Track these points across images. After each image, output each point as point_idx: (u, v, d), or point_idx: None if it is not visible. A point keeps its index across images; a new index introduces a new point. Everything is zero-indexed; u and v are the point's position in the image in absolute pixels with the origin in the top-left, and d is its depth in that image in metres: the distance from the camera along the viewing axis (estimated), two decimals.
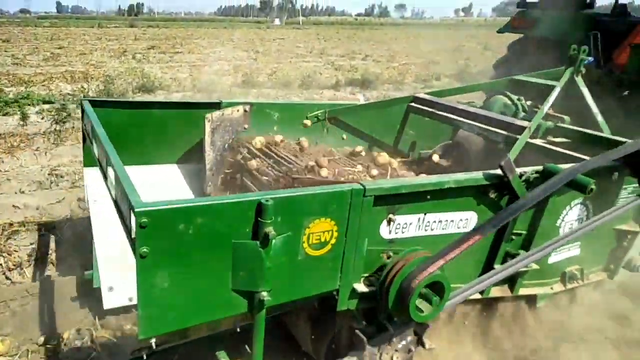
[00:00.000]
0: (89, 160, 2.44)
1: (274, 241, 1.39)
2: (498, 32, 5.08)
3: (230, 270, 1.41)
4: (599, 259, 2.49)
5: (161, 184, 2.64)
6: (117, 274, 2.01)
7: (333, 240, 1.54)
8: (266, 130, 2.84)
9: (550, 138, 2.54)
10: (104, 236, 2.21)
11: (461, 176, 1.75)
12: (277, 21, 69.51)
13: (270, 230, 1.37)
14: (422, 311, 1.62)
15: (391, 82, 11.93)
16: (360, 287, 1.66)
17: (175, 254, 1.30)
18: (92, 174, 2.45)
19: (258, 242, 1.39)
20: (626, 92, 3.56)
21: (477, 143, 3.11)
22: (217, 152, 2.72)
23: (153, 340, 1.66)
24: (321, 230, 1.51)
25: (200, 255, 1.34)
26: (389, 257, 1.71)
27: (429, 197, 1.69)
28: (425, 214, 1.73)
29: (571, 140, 2.54)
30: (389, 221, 1.66)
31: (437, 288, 1.63)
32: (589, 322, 2.55)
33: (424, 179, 1.78)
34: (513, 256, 1.95)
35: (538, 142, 2.50)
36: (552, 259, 2.16)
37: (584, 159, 2.11)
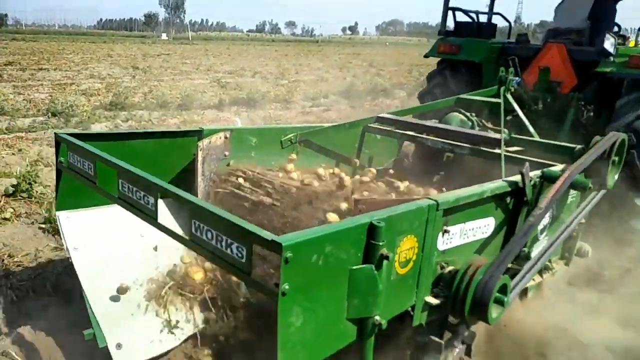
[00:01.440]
0: (68, 201, 2.32)
1: (384, 262, 1.42)
2: (425, 56, 5.32)
3: (345, 299, 1.39)
4: (557, 250, 2.78)
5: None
6: (122, 329, 2.02)
7: (414, 257, 1.59)
8: (244, 157, 2.84)
9: (505, 148, 2.77)
10: (95, 288, 2.15)
11: (492, 185, 1.94)
12: (164, 36, 66.66)
13: (384, 251, 1.40)
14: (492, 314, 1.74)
15: (279, 100, 11.55)
16: (431, 300, 1.73)
17: (307, 288, 1.27)
18: (70, 217, 2.32)
19: (373, 266, 1.40)
20: (539, 107, 4.12)
21: (420, 156, 3.48)
22: (207, 183, 2.66)
23: None
24: (408, 248, 1.55)
25: (325, 286, 1.33)
26: (442, 268, 1.79)
27: (467, 207, 1.80)
28: (464, 223, 1.84)
29: (524, 148, 2.87)
30: (444, 232, 1.74)
31: (502, 290, 1.77)
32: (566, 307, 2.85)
33: (471, 190, 1.85)
34: (525, 256, 2.13)
35: (498, 151, 2.77)
36: (532, 253, 2.28)
37: (549, 164, 2.44)
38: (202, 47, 40.00)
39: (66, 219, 2.33)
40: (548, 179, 2.18)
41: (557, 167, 2.34)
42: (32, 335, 2.63)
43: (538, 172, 2.22)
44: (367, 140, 3.46)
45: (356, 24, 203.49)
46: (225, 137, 2.77)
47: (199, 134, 2.68)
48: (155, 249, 2.49)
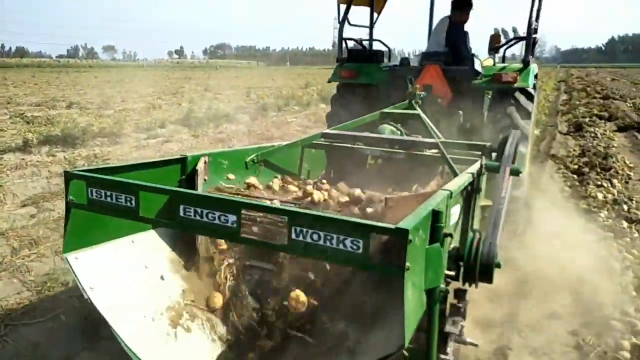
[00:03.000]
0: (75, 241, 2.38)
1: (447, 240, 1.90)
2: (328, 81, 5.90)
3: (424, 273, 1.73)
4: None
5: (151, 251, 2.71)
6: (163, 356, 2.34)
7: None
8: (219, 179, 3.05)
9: (433, 150, 3.39)
10: (121, 322, 2.30)
11: (465, 177, 2.52)
12: None
13: (447, 231, 1.86)
14: None
15: (105, 134, 9.81)
16: (447, 272, 2.01)
17: (414, 266, 1.60)
18: (79, 258, 2.40)
19: (439, 244, 1.78)
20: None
21: (344, 166, 3.92)
22: None
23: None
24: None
25: (419, 263, 1.67)
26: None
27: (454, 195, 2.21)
28: (453, 207, 2.27)
29: (447, 148, 3.30)
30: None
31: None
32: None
33: (460, 181, 2.44)
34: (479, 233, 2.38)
35: (429, 153, 3.46)
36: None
37: (468, 160, 3.18)
38: None
39: (75, 259, 2.38)
40: (490, 169, 2.90)
41: (477, 162, 2.90)
42: None
43: (477, 166, 2.81)
44: (306, 155, 3.97)
45: (182, 47, 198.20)
46: (205, 162, 2.96)
47: (183, 162, 2.85)
48: (162, 277, 2.68)
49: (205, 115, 12.63)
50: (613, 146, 9.61)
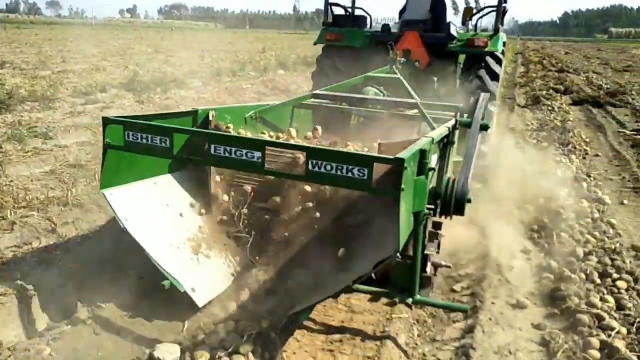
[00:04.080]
0: (110, 179, 2.80)
1: (430, 173, 2.46)
2: (314, 44, 6.36)
3: (412, 198, 2.23)
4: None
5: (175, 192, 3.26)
6: (188, 277, 2.81)
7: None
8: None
9: (412, 110, 4.03)
10: (157, 247, 2.79)
11: (444, 129, 3.02)
12: None
13: (430, 166, 2.39)
14: None
15: (36, 98, 8.87)
16: (427, 206, 2.52)
17: (407, 190, 2.11)
18: (114, 193, 2.80)
19: (424, 176, 2.28)
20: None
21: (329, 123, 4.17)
22: None
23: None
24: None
25: (409, 189, 2.17)
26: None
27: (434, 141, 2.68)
28: (433, 154, 2.66)
29: (425, 108, 3.87)
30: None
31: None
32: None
33: (439, 131, 2.97)
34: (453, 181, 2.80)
35: (410, 112, 4.07)
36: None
37: (443, 118, 3.73)
38: None
39: (110, 195, 2.78)
40: (463, 125, 3.29)
41: (452, 119, 3.32)
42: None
43: (452, 121, 3.23)
44: (296, 115, 4.28)
45: (135, 6, 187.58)
46: (212, 116, 3.32)
47: (195, 114, 3.24)
48: (181, 215, 3.17)
49: (152, 79, 11.73)
50: (569, 120, 9.61)
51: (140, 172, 3.02)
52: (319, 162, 2.19)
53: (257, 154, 2.33)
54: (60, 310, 3.15)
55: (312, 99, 4.29)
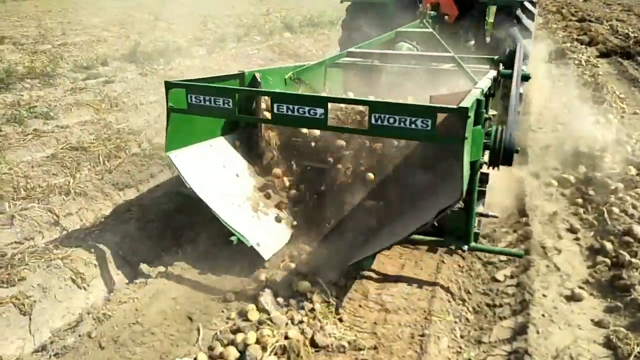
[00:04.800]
0: (174, 142, 2.96)
1: (487, 123, 2.70)
2: (341, 1, 6.05)
3: (470, 147, 2.32)
4: None
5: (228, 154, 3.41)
6: (253, 232, 3.00)
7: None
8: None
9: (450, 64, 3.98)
10: (222, 206, 2.96)
11: (488, 81, 3.07)
12: None
13: (486, 116, 2.60)
14: None
15: (35, 75, 8.47)
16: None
17: (468, 138, 2.25)
18: (178, 156, 2.98)
19: (480, 126, 2.47)
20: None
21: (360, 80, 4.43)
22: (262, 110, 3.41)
23: None
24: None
25: (469, 138, 2.28)
26: None
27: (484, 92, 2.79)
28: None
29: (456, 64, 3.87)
30: None
31: None
32: None
33: (485, 82, 3.00)
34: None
35: (446, 67, 4.00)
36: None
37: (481, 70, 3.77)
38: None
39: (175, 157, 2.96)
40: (504, 76, 3.46)
41: (493, 71, 3.43)
42: None
43: (494, 73, 3.37)
44: (328, 74, 4.31)
45: None
46: (260, 77, 3.43)
47: (242, 76, 3.34)
48: (237, 175, 3.35)
49: (155, 49, 11.19)
50: (599, 74, 8.97)
51: (197, 135, 3.17)
52: (382, 116, 2.31)
53: (320, 110, 2.45)
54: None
55: (346, 58, 4.27)
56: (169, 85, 2.81)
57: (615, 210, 3.73)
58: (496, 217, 3.32)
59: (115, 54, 10.92)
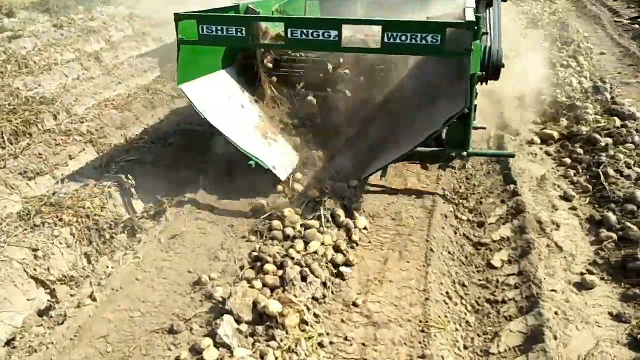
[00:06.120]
0: (185, 75, 3.14)
1: (484, 37, 3.03)
2: None
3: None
4: None
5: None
6: (267, 156, 3.22)
7: None
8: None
9: None
10: (238, 133, 3.17)
11: (473, 1, 3.20)
12: None
13: (483, 30, 2.82)
14: None
15: None
16: None
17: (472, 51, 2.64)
18: (189, 88, 3.14)
19: (478, 41, 2.68)
20: None
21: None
22: None
23: None
24: None
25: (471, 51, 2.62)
26: None
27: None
28: None
29: None
30: None
31: None
32: None
33: (472, 3, 3.14)
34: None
35: None
36: None
37: None
38: None
39: (187, 89, 3.12)
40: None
41: None
42: None
43: None
44: (308, 6, 4.69)
45: None
46: (254, 7, 3.66)
47: (237, 8, 3.57)
48: (242, 106, 3.53)
49: None
50: (558, 10, 8.57)
51: (202, 68, 3.33)
52: (395, 34, 2.59)
53: (334, 32, 2.70)
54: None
55: None
56: (178, 17, 2.95)
57: (610, 171, 3.36)
58: (484, 128, 3.68)
59: (23, 1, 9.33)
